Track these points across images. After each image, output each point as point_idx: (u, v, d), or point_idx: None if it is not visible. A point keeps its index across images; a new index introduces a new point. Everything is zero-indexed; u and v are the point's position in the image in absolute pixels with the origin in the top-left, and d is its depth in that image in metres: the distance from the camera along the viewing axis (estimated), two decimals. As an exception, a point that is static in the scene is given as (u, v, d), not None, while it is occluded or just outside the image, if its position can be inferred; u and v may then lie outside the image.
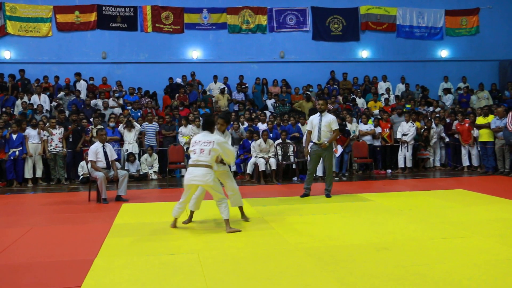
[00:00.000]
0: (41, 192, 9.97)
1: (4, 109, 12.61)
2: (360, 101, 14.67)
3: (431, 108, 14.16)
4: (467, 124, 11.91)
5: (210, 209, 7.56)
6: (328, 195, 8.13)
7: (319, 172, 10.59)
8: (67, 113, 12.54)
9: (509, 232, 5.47)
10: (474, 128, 11.74)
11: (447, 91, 15.90)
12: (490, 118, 11.46)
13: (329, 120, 8.01)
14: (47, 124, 11.24)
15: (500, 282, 3.80)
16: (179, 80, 14.91)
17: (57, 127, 11.11)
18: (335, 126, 8.08)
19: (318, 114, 8.16)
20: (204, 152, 5.56)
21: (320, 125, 7.99)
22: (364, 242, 5.08)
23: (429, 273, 3.99)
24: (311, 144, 8.20)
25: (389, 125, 12.22)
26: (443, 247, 4.83)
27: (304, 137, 9.44)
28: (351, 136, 11.53)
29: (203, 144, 5.61)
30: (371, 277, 3.93)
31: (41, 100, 13.23)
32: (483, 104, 14.06)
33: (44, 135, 10.97)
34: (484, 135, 11.42)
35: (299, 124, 11.75)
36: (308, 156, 8.33)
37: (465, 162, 11.99)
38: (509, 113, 10.69)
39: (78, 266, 4.40)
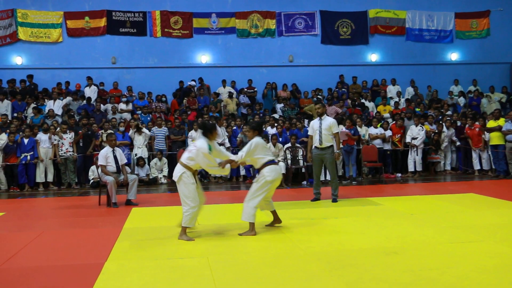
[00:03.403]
0: (52, 196, 10.05)
1: (15, 114, 12.74)
2: (369, 105, 14.61)
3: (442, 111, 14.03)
4: (477, 129, 11.80)
5: (219, 212, 7.59)
6: (334, 200, 8.07)
7: (325, 176, 10.49)
8: (77, 118, 12.62)
9: (521, 236, 5.41)
10: (485, 132, 11.62)
11: (461, 93, 15.72)
12: (501, 121, 11.36)
13: (329, 124, 8.00)
14: (58, 128, 11.34)
15: (512, 287, 3.76)
16: (193, 83, 14.87)
17: (67, 131, 11.21)
18: (336, 129, 8.08)
19: (318, 118, 8.15)
20: None
21: (320, 129, 7.97)
22: (374, 246, 5.05)
23: (439, 278, 3.96)
24: (313, 148, 8.18)
25: (401, 131, 12.13)
26: (454, 251, 4.80)
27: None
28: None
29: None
30: (380, 282, 3.91)
31: (55, 105, 13.29)
32: (493, 107, 13.92)
33: (55, 140, 11.07)
34: (495, 138, 11.31)
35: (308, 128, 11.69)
36: (311, 161, 8.33)
37: (476, 166, 11.87)
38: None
39: (89, 270, 4.44)
